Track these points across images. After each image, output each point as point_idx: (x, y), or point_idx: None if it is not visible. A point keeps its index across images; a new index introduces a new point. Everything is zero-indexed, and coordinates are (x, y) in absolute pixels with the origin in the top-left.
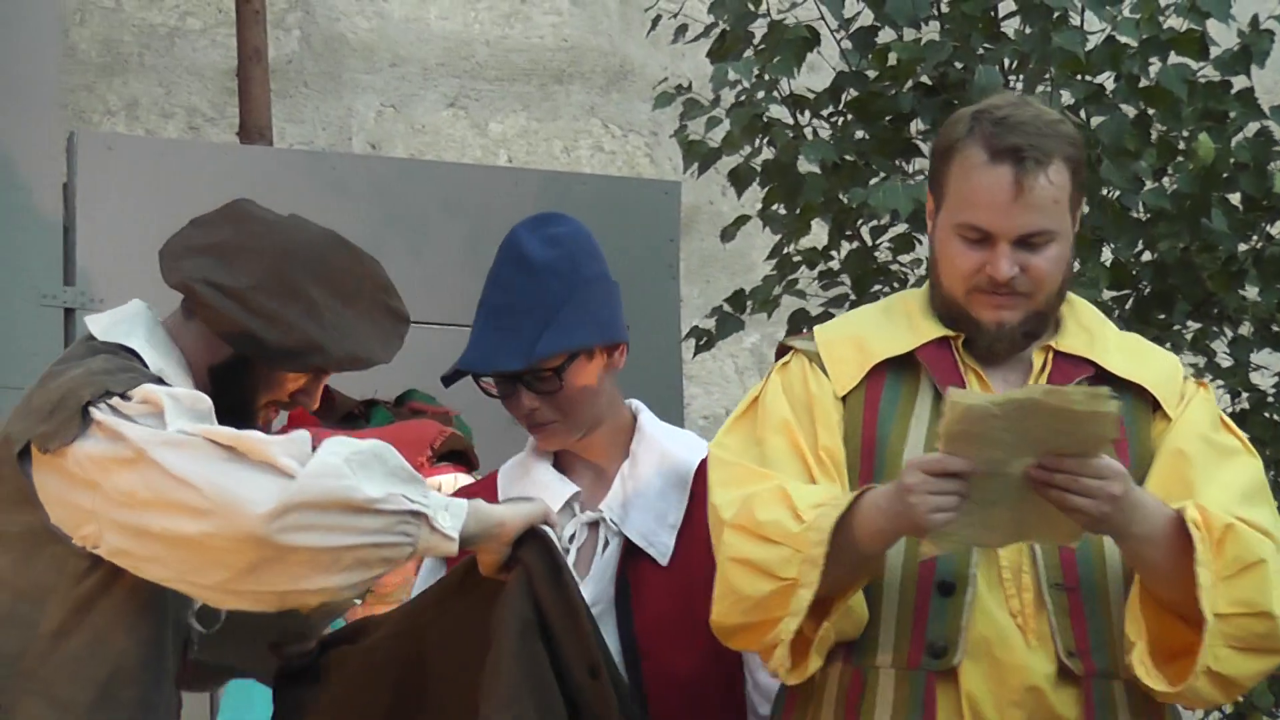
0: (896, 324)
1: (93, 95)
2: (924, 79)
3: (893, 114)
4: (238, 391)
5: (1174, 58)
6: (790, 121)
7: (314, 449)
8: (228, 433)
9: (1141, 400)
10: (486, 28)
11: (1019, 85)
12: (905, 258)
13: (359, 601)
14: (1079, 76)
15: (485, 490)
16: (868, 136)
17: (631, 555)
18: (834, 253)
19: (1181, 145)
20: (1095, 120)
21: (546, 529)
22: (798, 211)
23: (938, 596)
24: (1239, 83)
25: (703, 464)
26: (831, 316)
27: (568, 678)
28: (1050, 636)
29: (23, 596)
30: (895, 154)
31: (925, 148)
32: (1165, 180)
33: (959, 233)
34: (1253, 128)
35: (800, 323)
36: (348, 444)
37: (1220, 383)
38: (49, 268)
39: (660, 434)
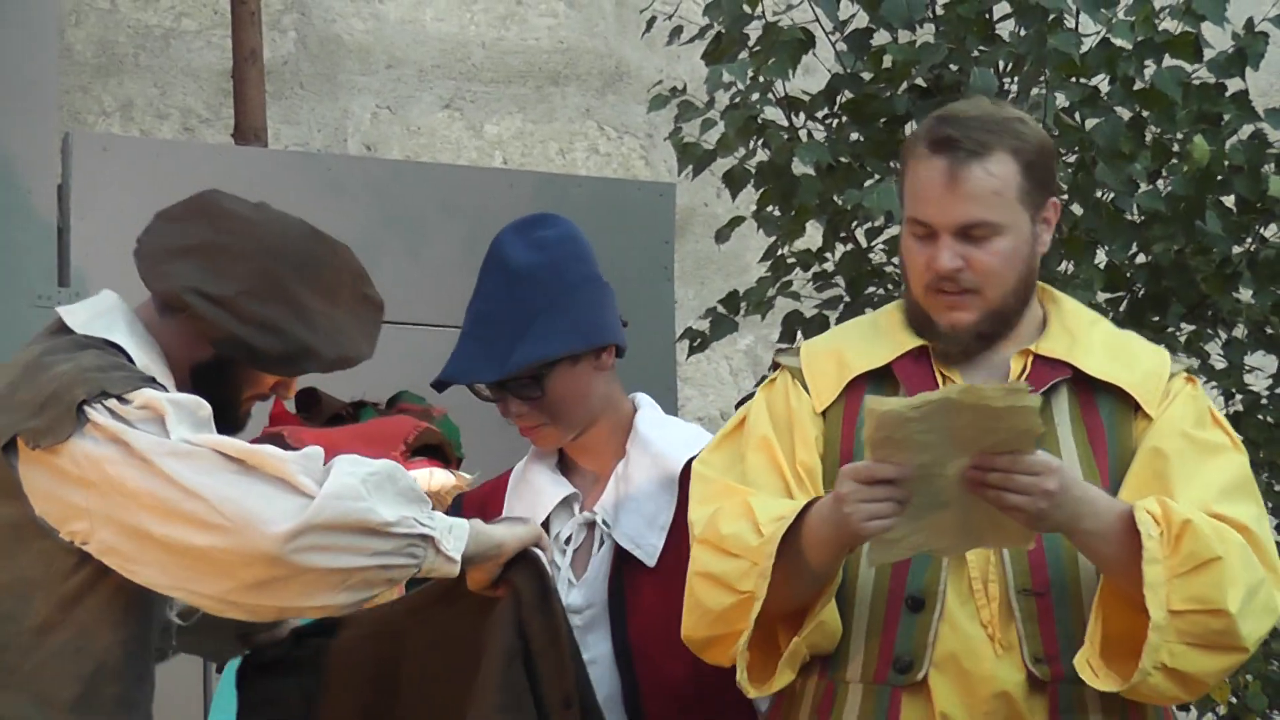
0: (878, 336)
1: (88, 96)
2: (919, 81)
3: (887, 116)
4: (222, 389)
5: (1169, 60)
6: (785, 124)
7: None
8: (237, 445)
9: (1124, 401)
10: (482, 30)
11: (1014, 87)
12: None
13: None
14: (1074, 79)
15: (497, 491)
16: (862, 138)
17: (625, 558)
18: (828, 255)
19: (1176, 148)
20: (1090, 122)
21: (538, 552)
22: (792, 213)
23: (907, 612)
24: (1234, 85)
25: (690, 462)
26: (826, 318)
27: (542, 706)
28: (1018, 644)
29: (6, 591)
30: (890, 156)
31: None
32: (1160, 183)
33: (910, 229)
34: (1247, 130)
35: (794, 324)
36: (362, 463)
37: (1214, 385)
38: (44, 268)
39: (655, 433)
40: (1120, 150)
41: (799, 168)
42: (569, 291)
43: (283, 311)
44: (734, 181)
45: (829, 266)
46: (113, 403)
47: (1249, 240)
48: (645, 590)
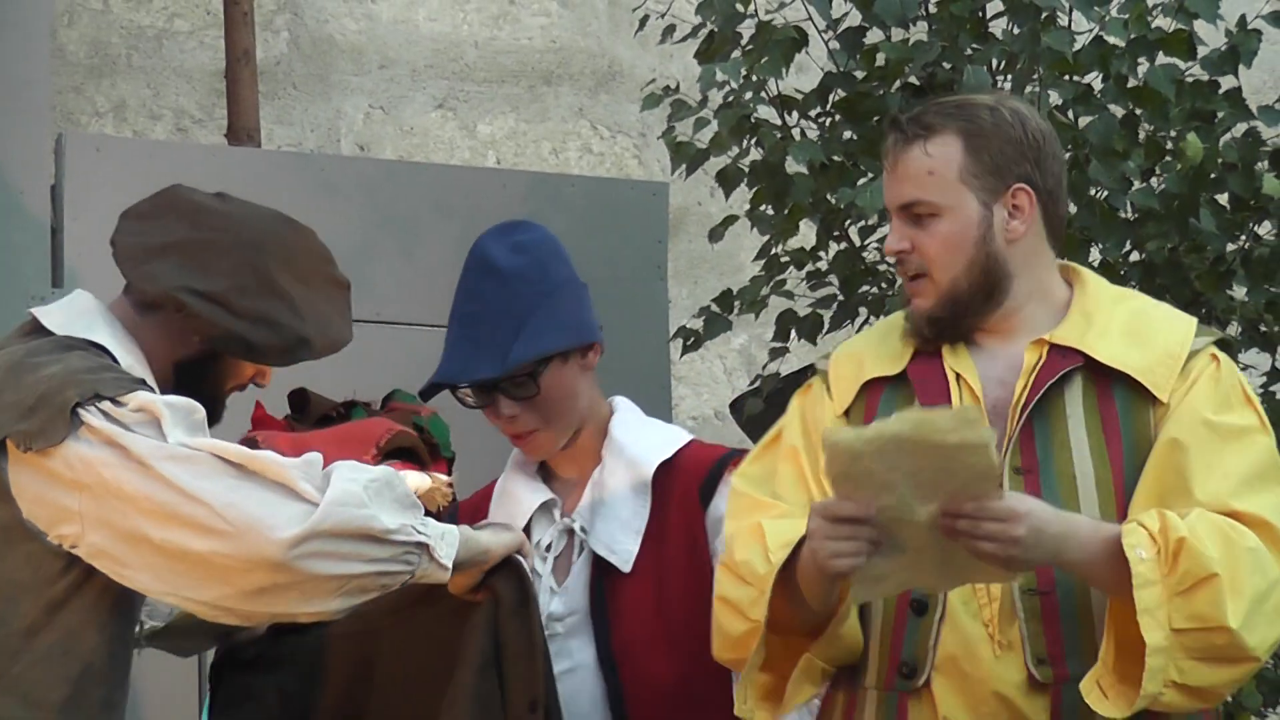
0: (896, 337)
1: (81, 97)
2: (912, 79)
3: (881, 114)
4: (207, 384)
5: (1162, 58)
6: (778, 122)
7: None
8: (236, 450)
9: (1139, 387)
10: (475, 29)
11: (1007, 85)
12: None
13: None
14: (1067, 77)
15: (483, 500)
16: (856, 137)
17: (604, 564)
18: (822, 253)
19: (1169, 145)
20: (1083, 120)
21: (520, 559)
22: (786, 212)
23: (913, 616)
24: (1227, 83)
25: (665, 465)
26: (819, 317)
27: (508, 709)
28: (1020, 644)
29: None
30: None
31: None
32: (1153, 180)
33: None
34: (1241, 128)
35: (788, 323)
36: (361, 470)
37: None
38: (37, 269)
39: (629, 437)
40: (1114, 148)
41: (792, 166)
42: (556, 291)
43: (273, 304)
44: (727, 180)
45: (823, 265)
46: (107, 405)
47: (1243, 238)
48: (625, 595)
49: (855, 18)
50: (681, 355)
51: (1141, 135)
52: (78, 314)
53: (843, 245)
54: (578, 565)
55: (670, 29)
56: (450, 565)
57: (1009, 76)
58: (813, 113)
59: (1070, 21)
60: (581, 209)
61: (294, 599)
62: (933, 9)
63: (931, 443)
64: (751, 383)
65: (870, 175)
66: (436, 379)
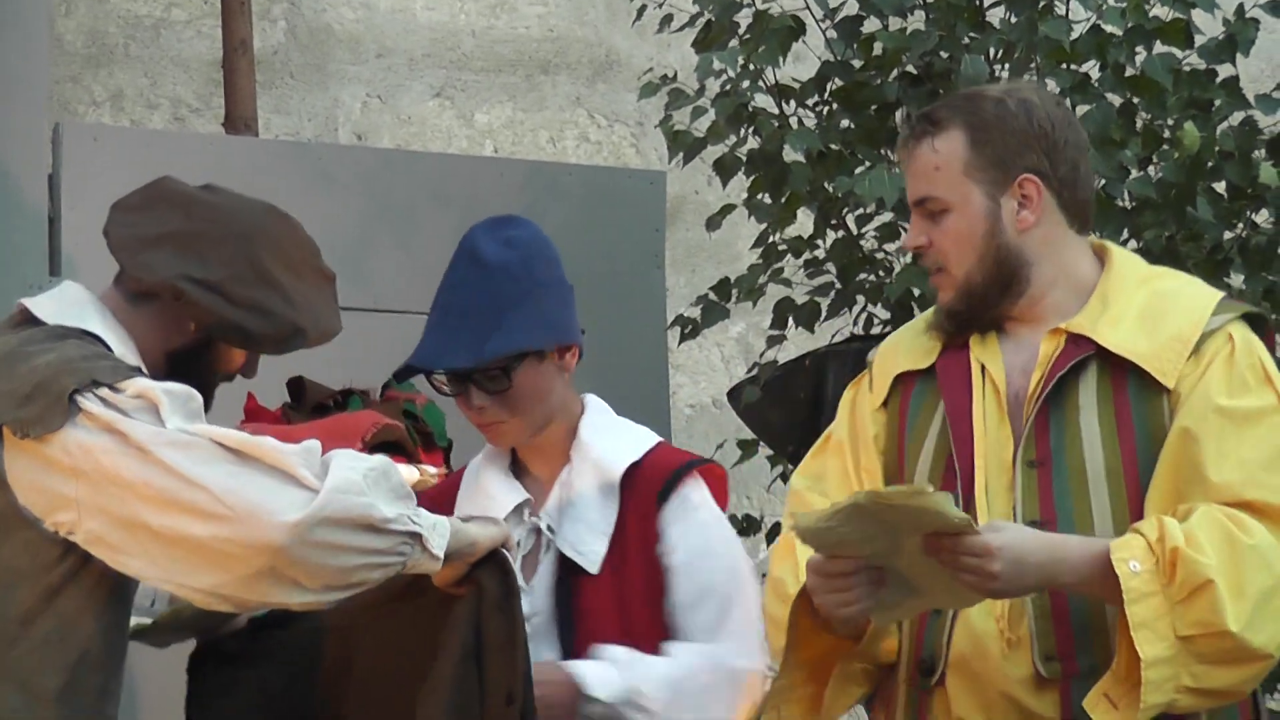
0: (926, 329)
1: (78, 86)
2: (909, 68)
3: (878, 103)
4: (199, 373)
5: (1159, 47)
6: (775, 111)
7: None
8: (235, 436)
9: (1150, 374)
10: (472, 18)
11: (1004, 74)
12: (890, 246)
13: None
14: (1064, 66)
15: (450, 489)
16: (853, 126)
17: (570, 565)
18: (819, 241)
19: (1167, 134)
20: (1081, 109)
21: (505, 553)
22: (783, 201)
23: (933, 613)
24: (1224, 71)
25: (632, 468)
26: (817, 305)
27: (485, 700)
28: (1028, 641)
29: None
30: (881, 143)
31: None
32: (1150, 169)
33: None
34: (1238, 116)
35: (785, 312)
36: (359, 459)
37: None
38: (35, 258)
39: (597, 438)
40: (1111, 137)
41: (790, 155)
42: (539, 289)
43: (268, 293)
44: (725, 169)
45: (820, 253)
46: (105, 392)
47: (1240, 226)
48: (590, 597)
49: (853, 6)
50: (679, 343)
51: (1139, 124)
52: (69, 304)
53: (840, 234)
54: (544, 565)
55: (668, 18)
56: (441, 556)
57: (1006, 65)
58: (810, 101)
59: (1067, 10)
60: (579, 198)
61: (289, 587)
62: None
63: (890, 505)
64: (749, 371)
65: (868, 164)
66: (411, 362)
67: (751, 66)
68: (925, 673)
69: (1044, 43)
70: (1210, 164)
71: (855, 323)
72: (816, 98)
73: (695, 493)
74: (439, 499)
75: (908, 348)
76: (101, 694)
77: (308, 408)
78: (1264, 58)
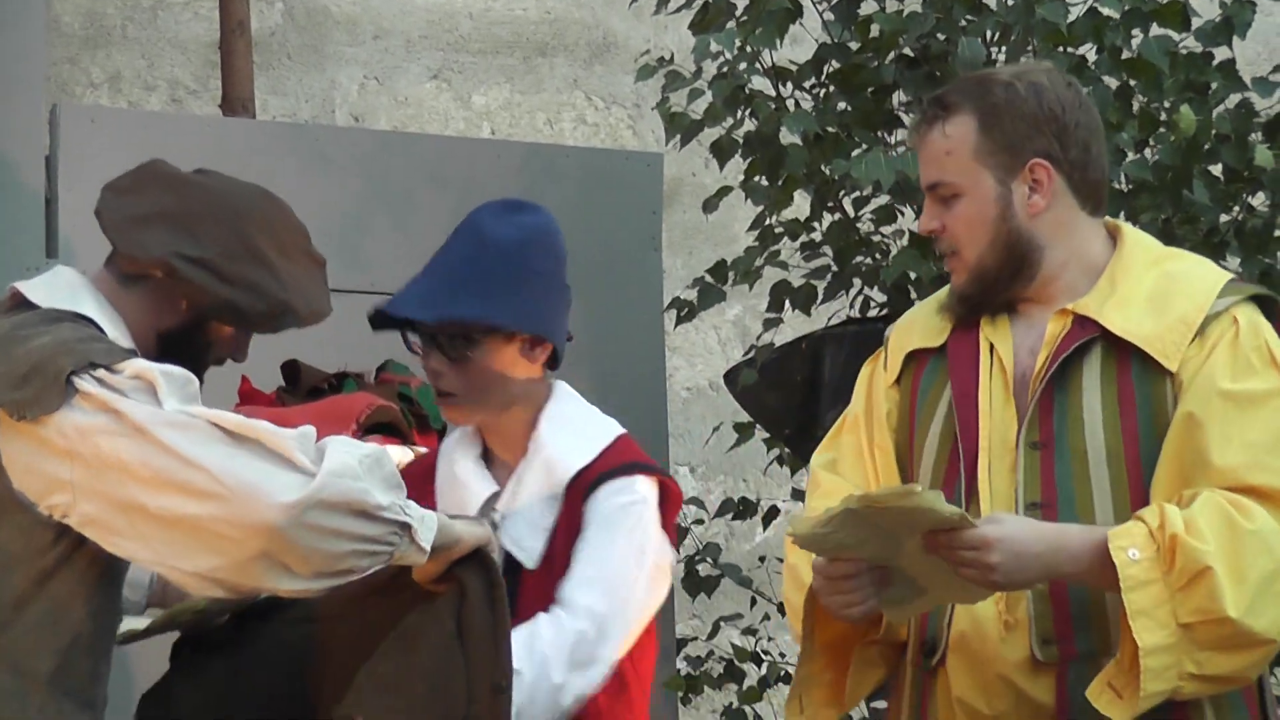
0: (939, 308)
1: (76, 68)
2: (906, 51)
3: (875, 86)
4: (191, 354)
5: (1156, 29)
6: (772, 93)
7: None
8: (233, 418)
9: (1153, 357)
10: (469, 0)
11: (1001, 57)
12: (887, 229)
13: None
14: (1061, 48)
15: (426, 470)
16: (850, 108)
17: (514, 559)
18: (816, 224)
19: (1163, 117)
20: None
21: (488, 552)
22: (780, 183)
23: None
24: (1221, 54)
25: (582, 473)
26: (813, 288)
27: (471, 689)
28: (1026, 623)
29: None
30: (877, 126)
31: (907, 119)
32: (1147, 152)
33: None
34: (1234, 99)
35: (782, 294)
36: (354, 445)
37: None
38: (32, 240)
39: (554, 433)
40: (1107, 120)
41: (786, 137)
42: (530, 274)
43: (260, 271)
44: (721, 151)
45: (817, 236)
46: (102, 373)
47: (1236, 209)
48: (529, 592)
49: None
50: (676, 326)
51: (1135, 107)
52: (61, 287)
53: (837, 216)
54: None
55: (664, 0)
56: (428, 549)
57: (1003, 48)
58: (807, 84)
59: None
60: (576, 180)
61: (281, 572)
62: None
63: (882, 507)
64: (746, 353)
65: (864, 146)
66: (377, 305)
67: (749, 49)
68: (927, 653)
69: (1041, 25)
70: (1207, 147)
71: (852, 305)
72: (813, 80)
73: (623, 493)
74: (415, 480)
75: (921, 326)
76: (92, 676)
77: (303, 391)
78: (1260, 40)
